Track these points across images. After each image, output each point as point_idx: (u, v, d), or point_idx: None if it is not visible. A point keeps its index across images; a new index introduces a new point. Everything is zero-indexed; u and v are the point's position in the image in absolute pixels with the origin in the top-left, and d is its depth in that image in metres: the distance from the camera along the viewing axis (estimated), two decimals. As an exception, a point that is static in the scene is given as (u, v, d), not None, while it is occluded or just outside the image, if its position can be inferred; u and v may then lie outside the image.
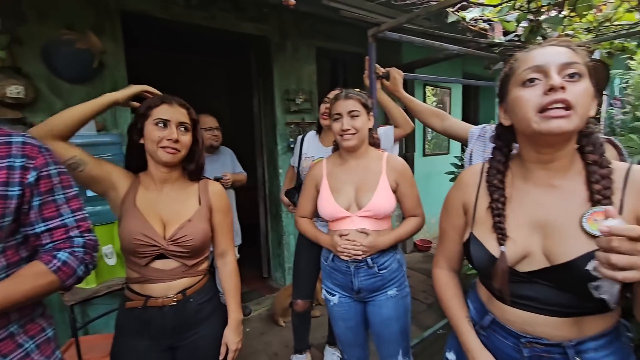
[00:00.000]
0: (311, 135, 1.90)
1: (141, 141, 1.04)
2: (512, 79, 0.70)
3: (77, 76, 1.88)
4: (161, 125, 1.02)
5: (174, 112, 1.04)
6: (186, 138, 1.06)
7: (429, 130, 4.09)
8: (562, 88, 0.61)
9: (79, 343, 1.66)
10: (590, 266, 0.54)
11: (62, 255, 0.77)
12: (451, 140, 4.34)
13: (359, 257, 1.26)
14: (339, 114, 1.28)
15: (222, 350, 1.11)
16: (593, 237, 0.61)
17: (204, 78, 4.89)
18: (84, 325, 1.79)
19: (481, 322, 0.79)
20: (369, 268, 1.28)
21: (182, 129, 1.05)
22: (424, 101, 3.85)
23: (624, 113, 3.16)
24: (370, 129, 1.35)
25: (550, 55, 0.65)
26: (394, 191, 1.30)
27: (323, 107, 1.74)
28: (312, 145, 1.85)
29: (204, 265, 1.14)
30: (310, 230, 1.45)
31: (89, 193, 1.75)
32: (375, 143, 1.41)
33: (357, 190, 1.29)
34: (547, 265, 0.67)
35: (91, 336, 1.95)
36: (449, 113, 4.27)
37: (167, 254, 1.04)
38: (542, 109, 0.63)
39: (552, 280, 0.67)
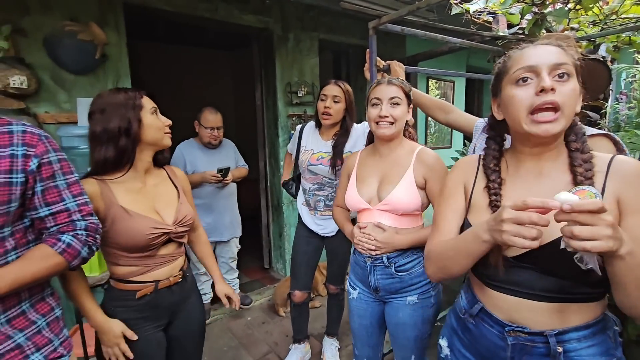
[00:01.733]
0: (311, 127, 1.88)
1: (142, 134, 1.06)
2: (506, 76, 0.74)
3: (80, 67, 1.90)
4: (155, 113, 1.09)
5: (152, 102, 1.10)
6: None
7: (432, 123, 4.07)
8: (552, 90, 0.66)
9: (83, 330, 1.70)
10: (562, 244, 0.58)
11: (66, 237, 0.81)
12: (454, 134, 4.32)
13: (373, 253, 1.21)
14: (378, 99, 1.20)
15: (225, 301, 1.31)
16: None
17: (208, 70, 4.89)
18: (88, 312, 1.83)
19: (470, 310, 0.83)
20: (385, 267, 1.22)
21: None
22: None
23: (630, 108, 3.12)
24: (407, 122, 1.27)
25: (541, 55, 0.69)
26: (422, 188, 1.19)
27: (322, 105, 1.70)
28: (311, 138, 1.84)
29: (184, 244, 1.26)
30: (339, 220, 1.45)
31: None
32: (412, 137, 1.34)
33: (380, 182, 1.23)
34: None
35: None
36: (453, 107, 4.25)
37: (175, 236, 1.12)
38: (533, 111, 0.68)
39: (537, 263, 0.70)
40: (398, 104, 1.19)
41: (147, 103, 1.07)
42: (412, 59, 3.49)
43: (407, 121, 1.25)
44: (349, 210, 1.43)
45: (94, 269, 1.87)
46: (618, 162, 0.70)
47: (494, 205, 0.76)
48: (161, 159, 1.20)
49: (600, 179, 0.69)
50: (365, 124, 1.79)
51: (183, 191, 1.23)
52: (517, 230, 0.59)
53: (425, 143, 4.07)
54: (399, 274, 1.21)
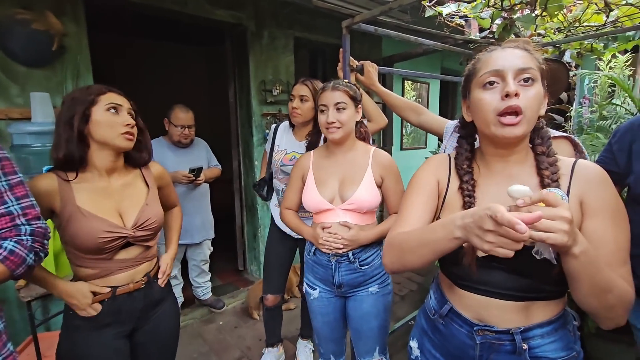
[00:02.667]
0: (285, 126, 1.85)
1: (85, 131, 0.99)
2: (474, 79, 0.75)
3: (35, 59, 1.77)
4: (113, 111, 1.01)
5: (122, 99, 1.04)
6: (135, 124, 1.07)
7: (407, 124, 4.12)
8: (517, 95, 0.67)
9: (37, 340, 1.59)
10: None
11: (8, 244, 0.75)
12: (429, 135, 4.40)
13: (340, 251, 1.24)
14: (324, 105, 1.24)
15: (161, 271, 1.18)
16: None
17: (181, 66, 4.73)
18: (43, 322, 1.71)
19: (440, 311, 0.84)
20: (350, 263, 1.26)
21: (130, 115, 1.06)
22: (402, 96, 3.87)
23: (592, 112, 3.28)
24: (358, 122, 1.31)
25: (508, 59, 0.70)
26: (379, 186, 1.27)
27: (290, 105, 1.70)
28: (285, 138, 1.81)
29: (156, 248, 1.20)
30: (293, 222, 1.43)
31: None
32: (363, 137, 1.38)
33: (341, 183, 1.27)
34: None
35: (53, 332, 1.87)
36: (427, 108, 4.32)
37: (134, 240, 1.06)
38: (499, 114, 0.69)
39: (506, 263, 0.70)
40: (344, 109, 1.23)
41: (106, 99, 1.00)
42: (388, 60, 3.51)
43: (359, 121, 1.31)
44: (298, 211, 1.45)
45: (50, 276, 1.75)
46: (581, 166, 0.73)
47: (468, 207, 0.76)
48: (136, 160, 1.13)
49: (565, 181, 0.72)
50: None
51: (159, 186, 1.19)
52: (503, 242, 0.55)
53: (401, 144, 4.12)
54: (362, 267, 1.27)
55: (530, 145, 0.78)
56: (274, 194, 1.87)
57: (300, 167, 1.39)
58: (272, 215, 1.89)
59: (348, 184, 1.26)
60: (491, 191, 0.77)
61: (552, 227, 0.55)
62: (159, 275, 1.17)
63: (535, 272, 0.68)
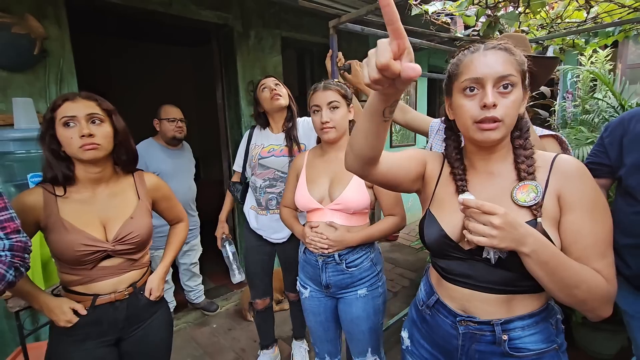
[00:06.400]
0: (257, 128, 1.84)
1: (62, 148, 0.97)
2: (456, 82, 0.76)
3: (16, 63, 1.72)
4: (68, 124, 0.96)
5: (79, 107, 0.97)
6: (102, 130, 1.00)
7: (396, 122, 4.15)
8: (495, 105, 0.69)
9: (26, 350, 1.56)
10: (465, 233, 0.69)
11: None
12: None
13: (326, 252, 1.24)
14: (317, 105, 1.23)
15: (147, 294, 1.13)
16: (522, 207, 0.72)
17: (168, 67, 4.67)
18: (32, 332, 1.67)
19: (427, 302, 0.88)
20: (336, 264, 1.25)
21: (94, 121, 0.99)
22: (391, 93, 3.89)
23: (575, 106, 3.35)
24: (351, 122, 1.30)
25: (489, 66, 0.71)
26: (370, 187, 1.25)
27: (267, 93, 1.67)
28: (260, 136, 1.79)
29: (147, 257, 1.16)
30: (287, 220, 1.45)
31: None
32: None
33: (331, 182, 1.26)
34: None
35: (42, 342, 1.84)
36: (415, 107, 4.35)
37: (114, 254, 1.04)
38: (477, 122, 0.72)
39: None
40: (337, 107, 1.23)
41: (60, 113, 0.96)
42: (375, 58, 3.52)
43: (352, 120, 1.30)
44: (296, 210, 1.45)
45: (38, 282, 1.72)
46: (561, 161, 0.74)
47: (461, 190, 0.79)
48: (125, 164, 1.10)
49: (543, 174, 0.73)
50: (305, 118, 1.76)
51: (151, 202, 1.16)
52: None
53: (391, 141, 4.15)
54: (350, 269, 1.26)
55: (510, 139, 0.79)
56: (250, 195, 1.83)
57: (295, 166, 1.40)
58: (246, 218, 1.85)
59: (337, 183, 1.25)
60: (476, 187, 0.80)
61: (481, 232, 0.65)
62: (146, 294, 1.13)
63: (517, 267, 0.70)
